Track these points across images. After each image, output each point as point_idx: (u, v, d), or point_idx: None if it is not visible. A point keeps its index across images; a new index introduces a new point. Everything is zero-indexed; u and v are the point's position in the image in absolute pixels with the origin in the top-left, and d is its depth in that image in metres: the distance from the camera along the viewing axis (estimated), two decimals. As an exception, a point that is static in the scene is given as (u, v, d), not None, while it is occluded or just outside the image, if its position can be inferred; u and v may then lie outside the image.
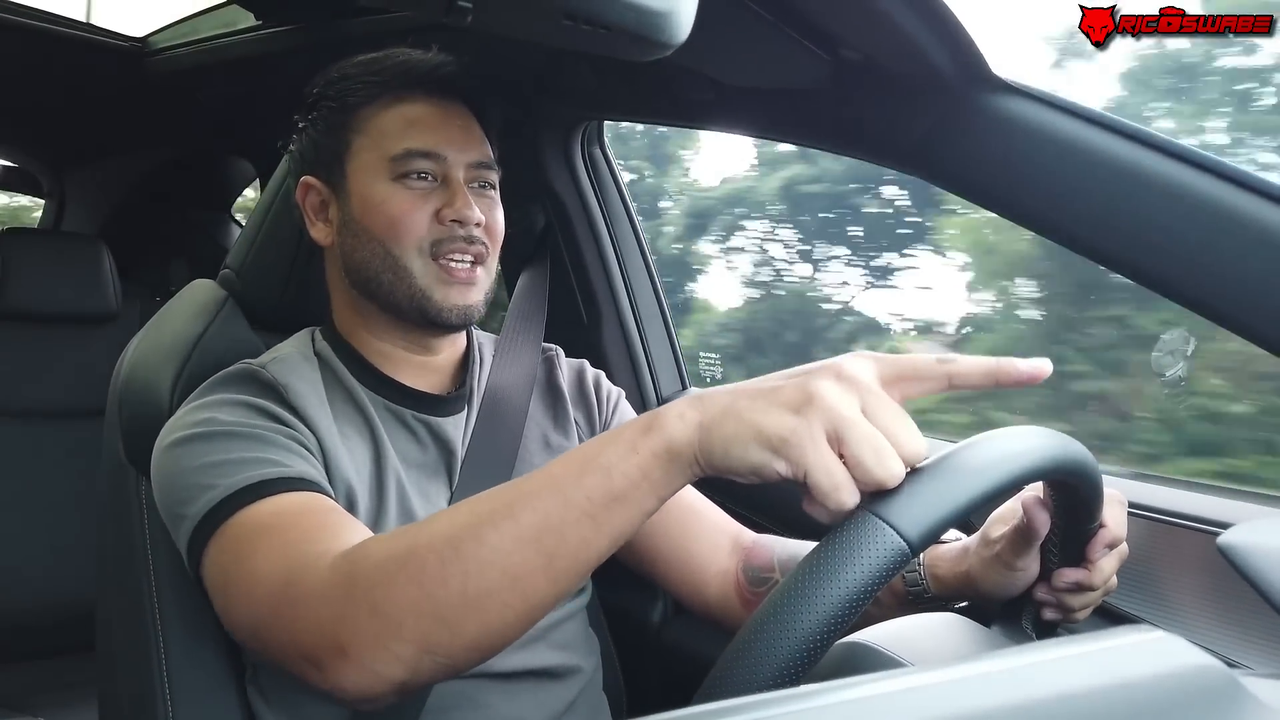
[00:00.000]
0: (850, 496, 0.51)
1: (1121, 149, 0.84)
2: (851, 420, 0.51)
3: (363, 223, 0.92)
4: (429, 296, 0.91)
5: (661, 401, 1.59)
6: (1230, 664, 0.42)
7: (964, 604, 0.88)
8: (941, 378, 0.56)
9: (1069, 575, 0.79)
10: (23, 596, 1.96)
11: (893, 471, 0.51)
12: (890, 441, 0.52)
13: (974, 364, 0.56)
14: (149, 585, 0.97)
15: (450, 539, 0.61)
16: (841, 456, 0.52)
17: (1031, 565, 0.80)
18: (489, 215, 0.94)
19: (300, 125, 0.99)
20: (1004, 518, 0.83)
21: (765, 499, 1.37)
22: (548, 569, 0.60)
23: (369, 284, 0.93)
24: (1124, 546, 0.80)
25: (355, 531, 0.74)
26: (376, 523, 0.88)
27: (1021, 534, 0.79)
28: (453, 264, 0.91)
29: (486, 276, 0.95)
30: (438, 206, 0.91)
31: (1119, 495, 0.80)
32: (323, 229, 0.96)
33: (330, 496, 0.81)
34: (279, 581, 0.70)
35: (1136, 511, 0.92)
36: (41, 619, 1.97)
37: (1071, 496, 0.74)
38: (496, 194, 0.98)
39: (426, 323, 0.93)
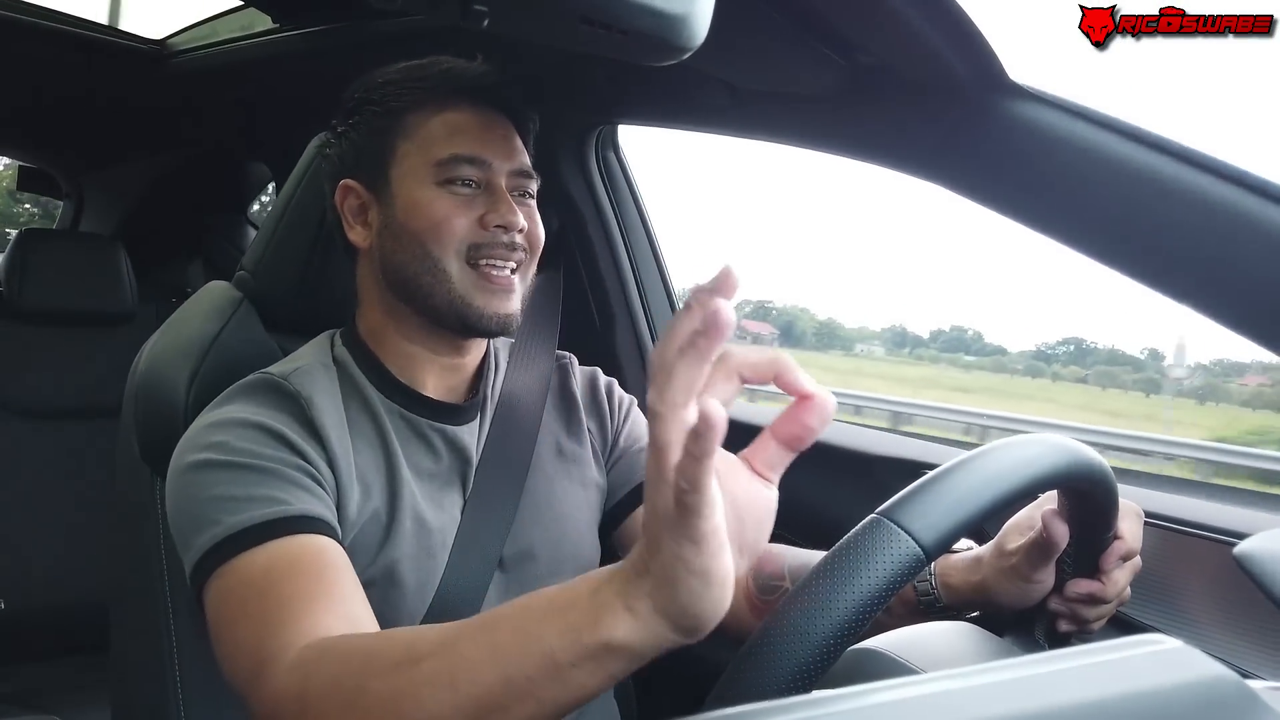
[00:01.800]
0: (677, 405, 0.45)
1: (1139, 155, 0.84)
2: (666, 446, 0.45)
3: (405, 226, 0.92)
4: (469, 303, 0.91)
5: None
6: (1245, 675, 0.41)
7: (976, 614, 0.87)
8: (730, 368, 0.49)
9: (1082, 586, 0.78)
10: (38, 595, 1.97)
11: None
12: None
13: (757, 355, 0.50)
14: (163, 584, 0.98)
15: (395, 694, 0.61)
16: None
17: (1048, 577, 0.80)
18: (530, 223, 0.95)
19: (339, 129, 0.99)
20: (1020, 527, 0.82)
21: (779, 503, 1.36)
22: None
23: (407, 286, 0.93)
24: (1138, 559, 0.80)
25: (336, 594, 0.75)
26: (390, 536, 0.88)
27: (1039, 547, 0.78)
28: (493, 271, 0.92)
29: (523, 284, 0.96)
30: (481, 212, 0.91)
31: (1136, 508, 0.79)
32: (361, 232, 0.96)
33: (332, 531, 0.81)
34: (251, 666, 0.71)
35: (1153, 521, 0.92)
36: (57, 618, 1.98)
37: (1087, 506, 0.74)
38: (535, 204, 0.98)
39: (465, 328, 0.93)
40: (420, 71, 0.96)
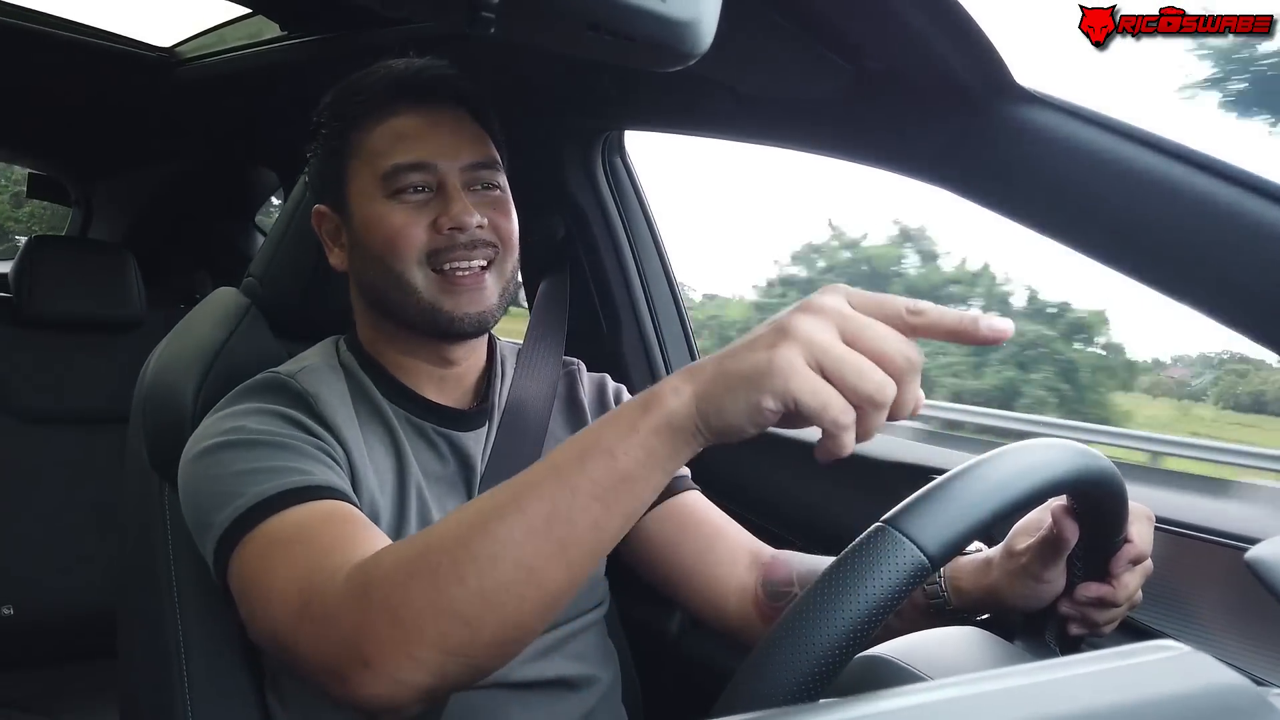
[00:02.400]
0: (843, 414, 0.52)
1: (1147, 159, 0.83)
2: (826, 344, 0.53)
3: (366, 244, 0.92)
4: (438, 308, 0.90)
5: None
6: (1258, 682, 0.41)
7: (986, 616, 0.87)
8: (905, 327, 0.55)
9: (1092, 590, 0.78)
10: (46, 601, 1.98)
11: (878, 383, 0.52)
12: (875, 358, 0.53)
13: (940, 316, 0.55)
14: (171, 591, 0.98)
15: (460, 537, 0.62)
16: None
17: (1058, 577, 0.80)
18: (493, 215, 0.93)
19: (308, 154, 1.00)
20: (1028, 529, 0.82)
21: (783, 509, 1.36)
22: (561, 555, 0.60)
23: (381, 303, 0.93)
24: (1149, 562, 0.79)
25: (373, 540, 0.74)
26: (398, 535, 0.88)
27: (1049, 545, 0.78)
28: (457, 272, 0.90)
29: (498, 279, 0.94)
30: (434, 216, 0.90)
31: (1147, 511, 0.79)
32: (338, 254, 0.97)
33: (354, 504, 0.81)
34: (297, 599, 0.70)
35: (1164, 526, 0.91)
36: (64, 623, 1.98)
37: (1095, 510, 0.73)
38: (502, 192, 0.96)
39: (440, 334, 0.93)
40: (361, 83, 0.95)
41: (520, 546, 0.60)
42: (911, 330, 0.55)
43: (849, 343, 0.53)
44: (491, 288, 0.93)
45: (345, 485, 0.83)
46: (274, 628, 0.73)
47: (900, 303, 0.55)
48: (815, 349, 0.53)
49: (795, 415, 0.53)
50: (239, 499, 0.77)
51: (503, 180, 0.97)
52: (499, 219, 0.94)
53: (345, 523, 0.76)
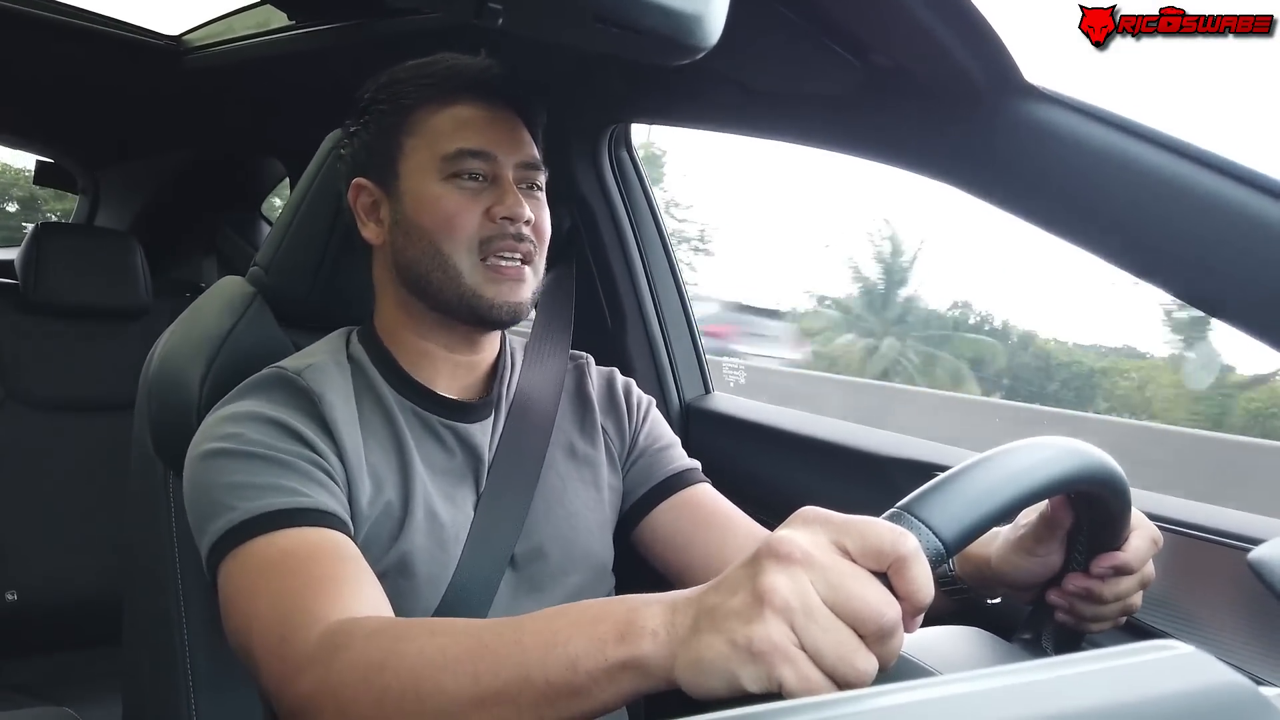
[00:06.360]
0: (820, 688, 0.47)
1: (1155, 157, 0.83)
2: (805, 620, 0.47)
3: (415, 221, 0.93)
4: (479, 294, 0.92)
5: (685, 408, 1.58)
6: (1259, 682, 0.41)
7: (997, 600, 0.88)
8: (891, 570, 0.49)
9: (1079, 581, 0.79)
10: (51, 586, 1.99)
11: (859, 670, 0.47)
12: (855, 626, 0.48)
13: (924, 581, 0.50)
14: (175, 577, 0.99)
15: (417, 674, 0.62)
16: None
17: (1053, 554, 0.80)
18: (537, 215, 0.96)
19: (351, 130, 1.01)
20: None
21: (787, 503, 1.36)
22: None
23: (418, 282, 0.94)
24: (1150, 569, 0.79)
25: (354, 585, 0.75)
26: (403, 528, 0.89)
27: (1047, 523, 0.79)
28: (502, 262, 0.93)
29: (534, 276, 0.97)
30: (488, 205, 0.93)
31: (1155, 534, 0.79)
32: (374, 229, 0.98)
33: (345, 527, 0.82)
34: (275, 634, 0.72)
35: (1166, 525, 0.91)
36: (68, 610, 1.99)
37: (1097, 508, 0.74)
38: (544, 196, 1.00)
39: (476, 320, 0.95)
40: (427, 69, 0.98)
41: (465, 713, 0.60)
42: (897, 575, 0.49)
43: (825, 600, 0.48)
44: (529, 282, 0.96)
45: (338, 505, 0.84)
46: (250, 648, 0.75)
47: (889, 543, 0.49)
48: (795, 621, 0.47)
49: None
50: (231, 512, 0.79)
51: (543, 184, 1.00)
52: (540, 219, 0.97)
53: (331, 560, 0.78)
